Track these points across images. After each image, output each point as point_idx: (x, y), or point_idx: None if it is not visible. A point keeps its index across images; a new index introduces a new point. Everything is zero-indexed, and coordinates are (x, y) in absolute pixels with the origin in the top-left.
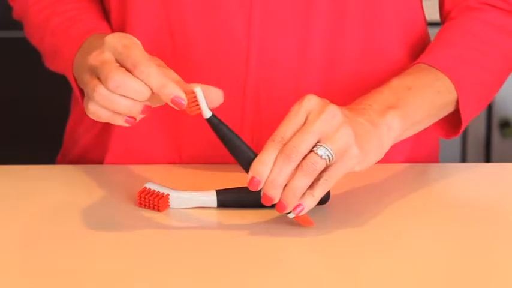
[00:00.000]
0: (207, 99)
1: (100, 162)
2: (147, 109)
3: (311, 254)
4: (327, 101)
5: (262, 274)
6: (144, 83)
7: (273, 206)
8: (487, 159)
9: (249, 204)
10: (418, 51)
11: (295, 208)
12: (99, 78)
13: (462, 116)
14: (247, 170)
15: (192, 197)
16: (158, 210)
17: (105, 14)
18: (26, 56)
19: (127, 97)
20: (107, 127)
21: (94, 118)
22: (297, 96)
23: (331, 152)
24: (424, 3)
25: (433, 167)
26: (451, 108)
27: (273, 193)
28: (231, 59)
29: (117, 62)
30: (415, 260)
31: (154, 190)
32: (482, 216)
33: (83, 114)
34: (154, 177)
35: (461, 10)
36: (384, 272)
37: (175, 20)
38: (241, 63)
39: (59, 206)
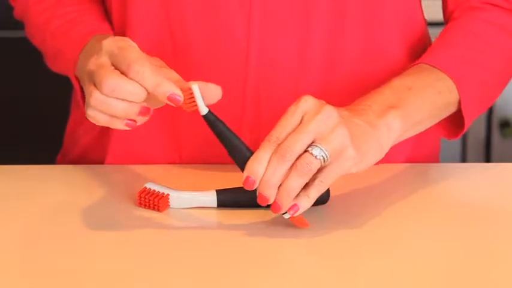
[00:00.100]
0: (206, 95)
1: (100, 162)
2: (145, 111)
3: (311, 254)
4: (324, 102)
5: (262, 274)
6: (139, 83)
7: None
8: (487, 159)
9: (248, 204)
10: (417, 51)
11: (290, 208)
12: (95, 84)
13: (464, 116)
14: (242, 168)
15: (192, 197)
16: (158, 210)
17: (107, 15)
18: (26, 56)
19: (123, 100)
20: (106, 128)
21: (94, 122)
22: (297, 96)
23: (326, 153)
24: (424, 3)
25: (433, 167)
26: (453, 109)
27: (268, 193)
28: (231, 59)
29: (114, 65)
30: (415, 261)
31: (154, 190)
32: (482, 216)
33: (83, 115)
34: (154, 177)
35: (464, 10)
36: (383, 272)
37: (175, 20)
38: (240, 64)
39: (59, 206)
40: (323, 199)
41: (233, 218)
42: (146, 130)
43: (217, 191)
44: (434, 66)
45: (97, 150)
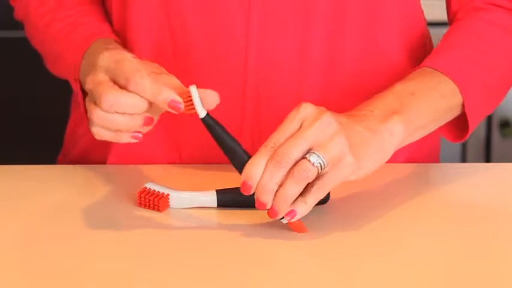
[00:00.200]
0: (203, 101)
1: (101, 162)
2: (149, 121)
3: (311, 255)
4: (324, 109)
5: (261, 275)
6: (139, 95)
7: None
8: (487, 159)
9: (248, 204)
10: (417, 51)
11: (287, 214)
12: (95, 102)
13: (469, 118)
14: (240, 172)
15: (192, 197)
16: (158, 210)
17: (107, 16)
18: (26, 56)
19: (123, 113)
20: None
21: (100, 139)
22: (297, 96)
23: (324, 160)
24: (424, 3)
25: (433, 167)
26: (456, 112)
27: (265, 198)
28: (231, 59)
29: (112, 80)
30: (415, 261)
31: (154, 190)
32: (482, 216)
33: (83, 115)
34: (154, 177)
35: (468, 11)
36: (382, 273)
37: (175, 20)
38: (240, 64)
39: (59, 206)
40: (323, 200)
41: (233, 218)
42: None
43: (217, 191)
44: (436, 70)
45: (97, 150)
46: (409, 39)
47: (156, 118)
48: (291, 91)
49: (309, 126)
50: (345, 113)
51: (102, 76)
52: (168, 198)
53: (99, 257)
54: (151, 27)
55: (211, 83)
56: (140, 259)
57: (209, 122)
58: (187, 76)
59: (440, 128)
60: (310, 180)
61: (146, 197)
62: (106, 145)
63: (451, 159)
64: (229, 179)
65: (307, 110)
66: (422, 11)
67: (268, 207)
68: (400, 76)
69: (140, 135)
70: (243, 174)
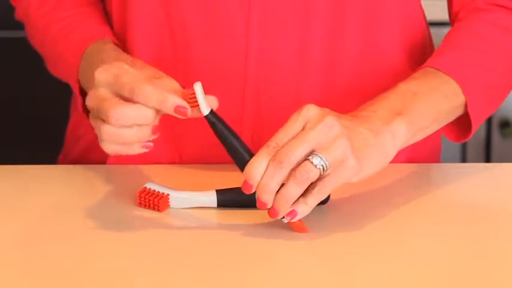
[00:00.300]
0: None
1: (101, 162)
2: (156, 129)
3: (311, 255)
4: (327, 111)
5: (261, 275)
6: (145, 104)
7: None
8: (487, 159)
9: (249, 204)
10: (417, 51)
11: (288, 214)
12: (102, 118)
13: (472, 119)
14: (242, 170)
15: (192, 197)
16: (158, 210)
17: (107, 16)
18: (26, 56)
19: (132, 126)
20: None
21: (112, 154)
22: (297, 96)
23: (326, 162)
24: (424, 3)
25: (433, 167)
26: (459, 112)
27: (265, 198)
28: (231, 59)
29: (114, 93)
30: (415, 261)
31: (154, 190)
32: (482, 216)
33: (83, 116)
34: (154, 177)
35: (469, 11)
36: (382, 273)
37: (175, 20)
38: (240, 64)
39: (59, 206)
40: (323, 200)
41: (233, 218)
42: None
43: (217, 191)
44: (439, 70)
45: (98, 149)
46: (409, 39)
47: (156, 120)
48: (291, 91)
49: (312, 128)
50: (348, 114)
51: (103, 91)
52: (168, 198)
53: (99, 257)
54: (151, 28)
55: (211, 83)
56: (140, 259)
57: (212, 119)
58: (187, 76)
59: (443, 128)
60: (311, 182)
61: (146, 197)
62: None
63: (451, 159)
64: (230, 179)
65: (310, 111)
66: (422, 11)
67: (269, 207)
68: (400, 76)
69: (151, 144)
70: (244, 173)
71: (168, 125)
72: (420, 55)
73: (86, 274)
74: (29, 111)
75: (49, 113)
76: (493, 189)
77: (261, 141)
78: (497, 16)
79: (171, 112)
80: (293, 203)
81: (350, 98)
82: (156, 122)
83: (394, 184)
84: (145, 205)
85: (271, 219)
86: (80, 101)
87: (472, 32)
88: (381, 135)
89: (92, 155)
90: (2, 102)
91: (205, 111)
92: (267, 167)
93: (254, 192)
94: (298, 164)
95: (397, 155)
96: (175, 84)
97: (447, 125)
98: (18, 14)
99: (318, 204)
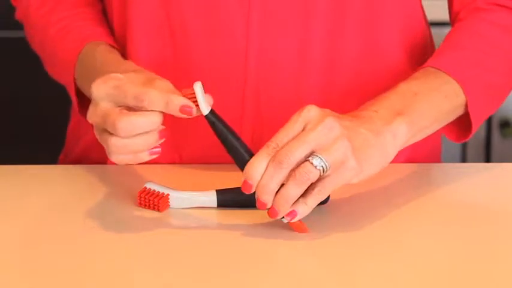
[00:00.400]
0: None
1: (102, 161)
2: (164, 133)
3: (311, 255)
4: (328, 112)
5: (261, 275)
6: (153, 110)
7: None
8: (487, 159)
9: (249, 204)
10: (418, 51)
11: (288, 215)
12: (107, 131)
13: (472, 119)
14: (242, 170)
15: (192, 197)
16: (158, 210)
17: (106, 17)
18: (26, 56)
19: (140, 134)
20: None
21: (121, 164)
22: (297, 96)
23: (326, 163)
24: (425, 3)
25: (433, 167)
26: (459, 112)
27: (265, 198)
28: (231, 59)
29: (116, 104)
30: (415, 261)
31: (154, 190)
32: (482, 216)
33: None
34: (154, 177)
35: (470, 11)
36: (383, 273)
37: (175, 20)
38: (240, 64)
39: (59, 206)
40: (323, 200)
41: (233, 218)
42: None
43: (217, 191)
44: (440, 70)
45: (98, 150)
46: (409, 40)
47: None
48: (291, 91)
49: (312, 129)
50: (349, 114)
51: (105, 105)
52: (168, 198)
53: (99, 257)
54: (151, 28)
55: (211, 83)
56: (140, 259)
57: (212, 119)
58: (187, 76)
59: (443, 128)
60: (311, 182)
61: (146, 197)
62: None
63: (451, 159)
64: (230, 179)
65: (310, 112)
66: (423, 11)
67: (269, 207)
68: (400, 76)
69: (159, 149)
70: (244, 173)
71: (168, 126)
72: (421, 55)
73: (86, 274)
74: (29, 111)
75: (49, 113)
76: (493, 189)
77: (261, 141)
78: (497, 16)
79: (176, 113)
80: (293, 203)
81: (350, 98)
82: (162, 126)
83: (394, 184)
84: (145, 205)
85: (271, 219)
86: (75, 101)
87: (472, 32)
88: (382, 136)
89: (92, 155)
90: (2, 102)
91: (206, 110)
92: (267, 167)
93: (254, 192)
94: (298, 165)
95: (397, 155)
96: (169, 85)
97: (447, 125)
98: (19, 14)
99: (318, 204)
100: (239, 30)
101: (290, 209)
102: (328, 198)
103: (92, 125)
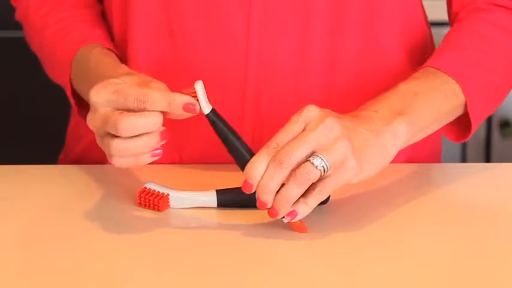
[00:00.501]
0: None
1: (102, 161)
2: (165, 134)
3: (311, 255)
4: (328, 112)
5: (261, 275)
6: (153, 111)
7: None
8: (487, 159)
9: (249, 204)
10: (417, 51)
11: (288, 214)
12: (109, 135)
13: (471, 119)
14: (243, 170)
15: (192, 197)
16: (158, 210)
17: (105, 19)
18: (26, 56)
19: (141, 136)
20: None
21: (122, 167)
22: (297, 96)
23: (327, 164)
24: (425, 3)
25: (433, 167)
26: (459, 112)
27: (265, 198)
28: (231, 59)
29: (117, 108)
30: (415, 261)
31: (154, 190)
32: (482, 216)
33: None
34: (154, 177)
35: (469, 11)
36: (383, 273)
37: (175, 20)
38: (240, 63)
39: (59, 206)
40: (323, 200)
41: (233, 218)
42: None
43: (217, 191)
44: (439, 70)
45: (98, 149)
46: (409, 40)
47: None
48: (291, 91)
49: (313, 129)
50: (349, 113)
51: (104, 110)
52: (168, 198)
53: (99, 257)
54: (151, 28)
55: (211, 83)
56: (140, 259)
57: (213, 118)
58: (187, 76)
59: (442, 128)
60: (312, 182)
61: (146, 197)
62: None
63: (451, 159)
64: (230, 179)
65: (311, 112)
66: (423, 11)
67: (269, 206)
68: (400, 76)
69: (160, 151)
70: (244, 173)
71: (168, 126)
72: (421, 55)
73: (86, 274)
74: (29, 111)
75: (49, 113)
76: (493, 189)
77: (261, 141)
78: (497, 16)
79: (179, 111)
80: (293, 203)
81: (350, 98)
82: (162, 128)
83: (394, 184)
84: (145, 205)
85: (271, 219)
86: (73, 102)
87: (472, 32)
88: (382, 135)
89: (92, 155)
90: (2, 102)
91: (207, 109)
92: (267, 167)
93: (254, 192)
94: (299, 165)
95: (397, 155)
96: (163, 87)
97: (447, 125)
98: (18, 15)
99: (318, 205)
100: (239, 30)
101: (290, 209)
102: (328, 198)
103: None
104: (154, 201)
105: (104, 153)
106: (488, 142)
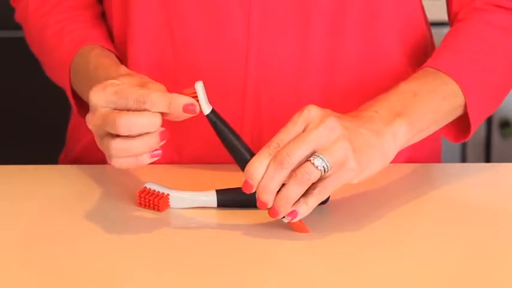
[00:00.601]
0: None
1: (102, 161)
2: (164, 134)
3: (311, 255)
4: (329, 112)
5: (261, 275)
6: (153, 112)
7: None
8: (487, 159)
9: (249, 204)
10: (418, 51)
11: (288, 214)
12: (108, 135)
13: (471, 120)
14: (243, 170)
15: (192, 197)
16: (158, 210)
17: (105, 19)
18: (26, 56)
19: (141, 135)
20: None
21: (122, 168)
22: (297, 96)
23: (328, 164)
24: (425, 3)
25: (433, 167)
26: (459, 113)
27: (266, 198)
28: (231, 59)
29: (117, 109)
30: (415, 261)
31: (154, 190)
32: (482, 216)
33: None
34: (154, 177)
35: (469, 12)
36: (384, 272)
37: (176, 20)
38: (240, 63)
39: (59, 206)
40: (323, 200)
41: (233, 218)
42: None
43: (217, 191)
44: (439, 70)
45: (98, 149)
46: (409, 40)
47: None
48: (291, 91)
49: (313, 129)
50: (350, 113)
51: (103, 111)
52: (168, 198)
53: (99, 257)
54: (151, 29)
55: (211, 83)
56: (140, 259)
57: (213, 118)
58: (187, 76)
59: (442, 129)
60: (312, 182)
61: (146, 197)
62: None
63: (451, 159)
64: (230, 179)
65: (311, 112)
66: (423, 11)
67: (269, 206)
68: (399, 76)
69: (160, 151)
70: (244, 173)
71: (168, 125)
72: (421, 55)
73: (86, 274)
74: (29, 111)
75: (49, 113)
76: (493, 189)
77: (261, 141)
78: (496, 17)
79: (179, 112)
80: (294, 203)
81: (350, 98)
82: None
83: (394, 184)
84: (145, 205)
85: (271, 219)
86: (73, 103)
87: (471, 33)
88: (382, 136)
89: (92, 155)
90: (2, 102)
91: (207, 110)
92: (268, 167)
93: (254, 192)
94: (299, 165)
95: (397, 155)
96: (162, 88)
97: (446, 126)
98: (18, 16)
99: (318, 205)
100: (239, 30)
101: (291, 209)
102: (328, 198)
103: None
104: (154, 201)
105: (103, 154)
106: (488, 142)
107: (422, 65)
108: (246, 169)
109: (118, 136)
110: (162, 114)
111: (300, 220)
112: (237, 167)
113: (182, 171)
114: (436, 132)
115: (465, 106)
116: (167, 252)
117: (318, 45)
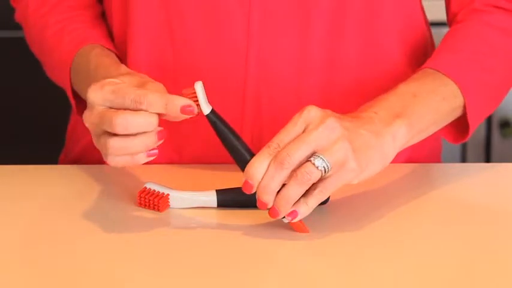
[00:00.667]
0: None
1: (101, 162)
2: (162, 133)
3: (311, 255)
4: (329, 113)
5: (261, 275)
6: (150, 111)
7: None
8: (487, 159)
9: (249, 204)
10: (418, 51)
11: (289, 215)
12: (105, 134)
13: (469, 120)
14: (243, 170)
15: (192, 197)
16: (158, 210)
17: (105, 20)
18: (26, 56)
19: (137, 134)
20: None
21: (118, 166)
22: (297, 96)
23: (328, 164)
24: (425, 3)
25: (433, 167)
26: (458, 113)
27: (266, 199)
28: (231, 59)
29: (114, 108)
30: (416, 261)
31: (154, 190)
32: (482, 216)
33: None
34: (154, 177)
35: (467, 13)
36: (384, 272)
37: (176, 20)
38: (240, 63)
39: (59, 206)
40: (323, 201)
41: (233, 218)
42: None
43: (217, 191)
44: (438, 71)
45: (98, 149)
46: (409, 40)
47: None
48: (291, 91)
49: (314, 129)
50: (349, 114)
51: (100, 109)
52: (168, 198)
53: (99, 257)
54: (151, 28)
55: (211, 83)
56: (140, 259)
57: (213, 119)
58: (187, 76)
59: (441, 130)
60: (312, 183)
61: (146, 197)
62: None
63: (451, 159)
64: (230, 179)
65: (311, 113)
66: (423, 11)
67: (269, 207)
68: (399, 76)
69: (156, 151)
70: (244, 173)
71: (168, 125)
72: (421, 55)
73: (86, 274)
74: (29, 111)
75: (49, 113)
76: (493, 189)
77: (261, 141)
78: (495, 18)
79: (176, 113)
80: (294, 204)
81: (350, 98)
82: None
83: (394, 184)
84: (145, 205)
85: (271, 219)
86: (73, 103)
87: (470, 34)
88: (382, 137)
89: (92, 155)
90: (2, 102)
91: (207, 110)
92: (268, 167)
93: (254, 192)
94: (299, 165)
95: (397, 155)
96: (161, 88)
97: (445, 127)
98: (18, 16)
99: (319, 205)
100: (239, 30)
101: (291, 209)
102: (328, 198)
103: None
104: (154, 201)
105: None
106: (488, 142)
107: (421, 66)
108: (246, 169)
109: (115, 134)
110: (160, 114)
111: (300, 220)
112: (237, 167)
113: (182, 171)
114: (435, 133)
115: (464, 107)
116: (167, 252)
117: (318, 45)
